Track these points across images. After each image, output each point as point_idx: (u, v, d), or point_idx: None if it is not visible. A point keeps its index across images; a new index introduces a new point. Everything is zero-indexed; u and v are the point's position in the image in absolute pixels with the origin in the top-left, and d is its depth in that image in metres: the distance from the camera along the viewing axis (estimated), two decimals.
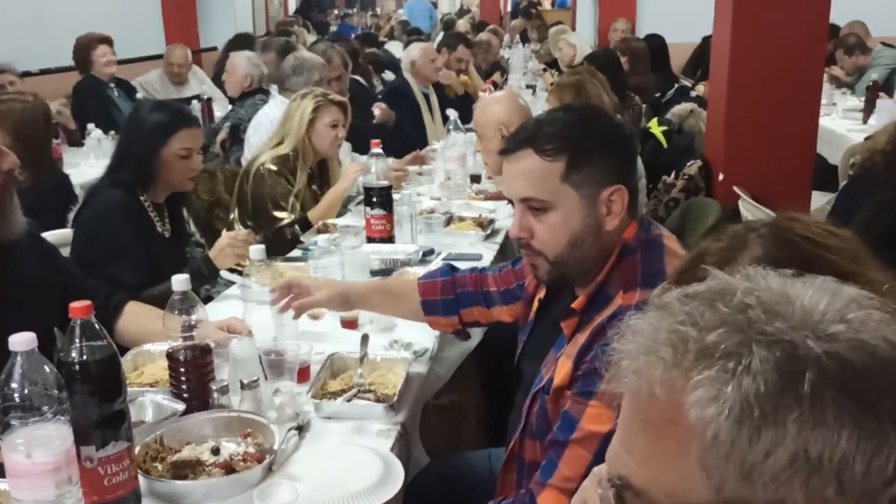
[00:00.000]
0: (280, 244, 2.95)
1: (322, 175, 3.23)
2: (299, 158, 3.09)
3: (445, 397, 2.76)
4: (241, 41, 6.07)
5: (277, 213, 3.07)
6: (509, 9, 13.27)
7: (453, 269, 1.95)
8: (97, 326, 1.27)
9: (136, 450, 1.40)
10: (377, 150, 2.72)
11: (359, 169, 2.77)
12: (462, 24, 8.58)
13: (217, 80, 6.19)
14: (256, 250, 2.02)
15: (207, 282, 2.39)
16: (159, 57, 6.60)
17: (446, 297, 1.89)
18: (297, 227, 3.02)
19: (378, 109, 4.49)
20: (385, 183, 2.65)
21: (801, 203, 3.24)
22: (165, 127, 2.39)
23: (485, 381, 2.63)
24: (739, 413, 0.51)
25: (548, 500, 1.34)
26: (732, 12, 3.34)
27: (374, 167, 2.64)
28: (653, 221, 1.56)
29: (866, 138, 3.01)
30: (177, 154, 2.39)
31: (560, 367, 1.41)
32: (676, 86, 6.16)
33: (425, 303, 1.90)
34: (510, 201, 1.59)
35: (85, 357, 1.25)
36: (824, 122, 5.24)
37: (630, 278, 1.42)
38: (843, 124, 5.07)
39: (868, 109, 5.03)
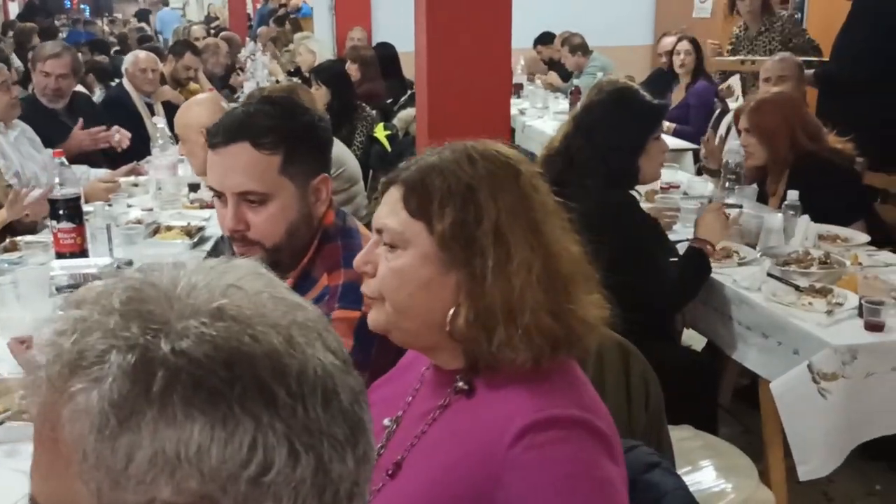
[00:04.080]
0: None
1: None
2: None
3: None
4: None
5: None
6: (255, 18, 12.99)
7: None
8: None
9: None
10: (60, 159, 2.56)
11: (40, 194, 2.56)
12: (196, 30, 8.25)
13: None
14: None
15: None
16: None
17: None
18: None
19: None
20: (72, 193, 2.50)
21: None
22: None
23: None
24: (100, 424, 0.52)
25: None
26: (426, 26, 3.57)
27: (57, 178, 2.48)
28: (347, 213, 1.68)
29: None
30: None
31: None
32: (410, 92, 6.42)
33: None
34: (217, 194, 1.54)
35: None
36: (538, 123, 5.76)
37: (334, 261, 1.53)
38: (552, 125, 5.57)
39: (571, 112, 5.58)
